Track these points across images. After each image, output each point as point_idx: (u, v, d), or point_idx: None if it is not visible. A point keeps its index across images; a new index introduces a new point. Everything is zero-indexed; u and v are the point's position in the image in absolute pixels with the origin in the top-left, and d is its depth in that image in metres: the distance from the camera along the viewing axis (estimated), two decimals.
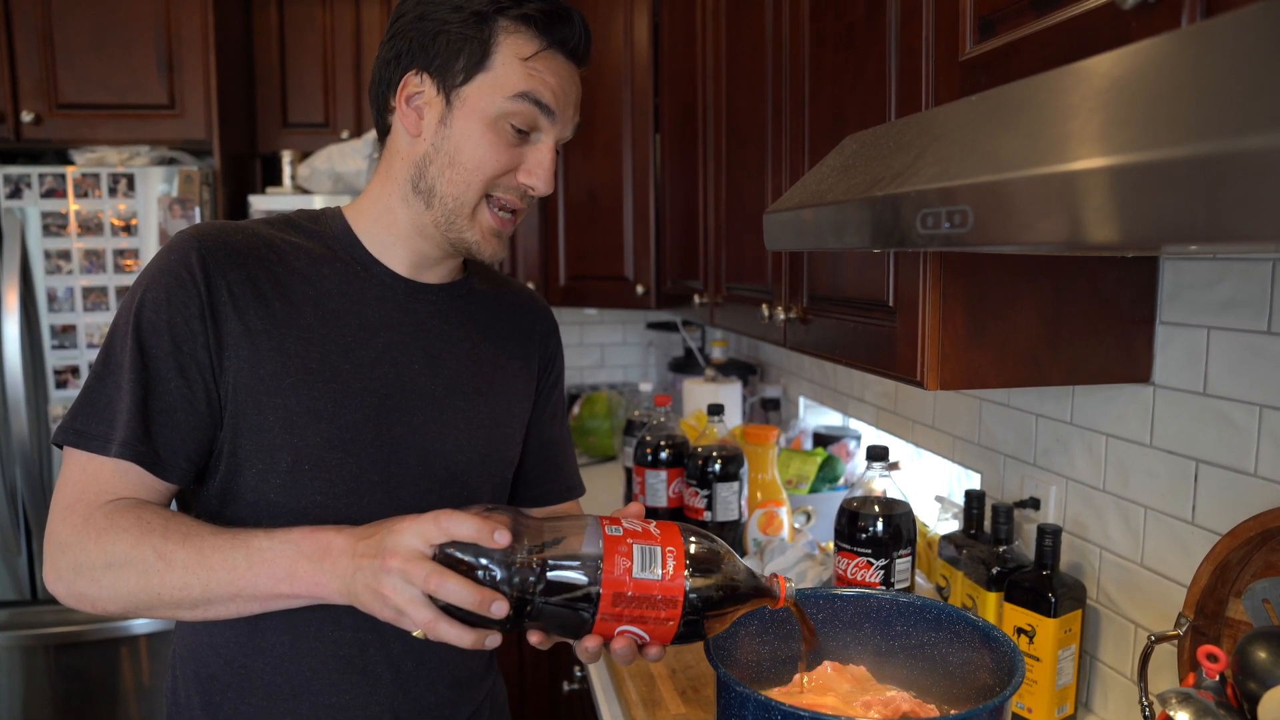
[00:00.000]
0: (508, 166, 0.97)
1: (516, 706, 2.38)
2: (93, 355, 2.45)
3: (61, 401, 2.45)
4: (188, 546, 0.85)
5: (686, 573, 0.78)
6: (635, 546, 0.78)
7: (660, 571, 0.78)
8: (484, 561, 0.77)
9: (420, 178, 0.98)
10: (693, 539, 0.81)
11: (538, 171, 0.98)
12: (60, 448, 0.93)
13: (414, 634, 0.79)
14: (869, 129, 0.98)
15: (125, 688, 2.52)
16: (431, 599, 0.77)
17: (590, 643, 0.80)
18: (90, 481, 0.90)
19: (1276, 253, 0.94)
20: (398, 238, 1.03)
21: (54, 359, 2.43)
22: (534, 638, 0.81)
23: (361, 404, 0.98)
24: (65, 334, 2.43)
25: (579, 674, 1.88)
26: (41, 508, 2.44)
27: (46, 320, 2.42)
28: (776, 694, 0.95)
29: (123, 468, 0.90)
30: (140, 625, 2.49)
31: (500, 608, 0.76)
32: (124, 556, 0.86)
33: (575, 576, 0.77)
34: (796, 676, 0.97)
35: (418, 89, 0.97)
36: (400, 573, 0.77)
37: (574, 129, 1.02)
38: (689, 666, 1.40)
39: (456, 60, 0.94)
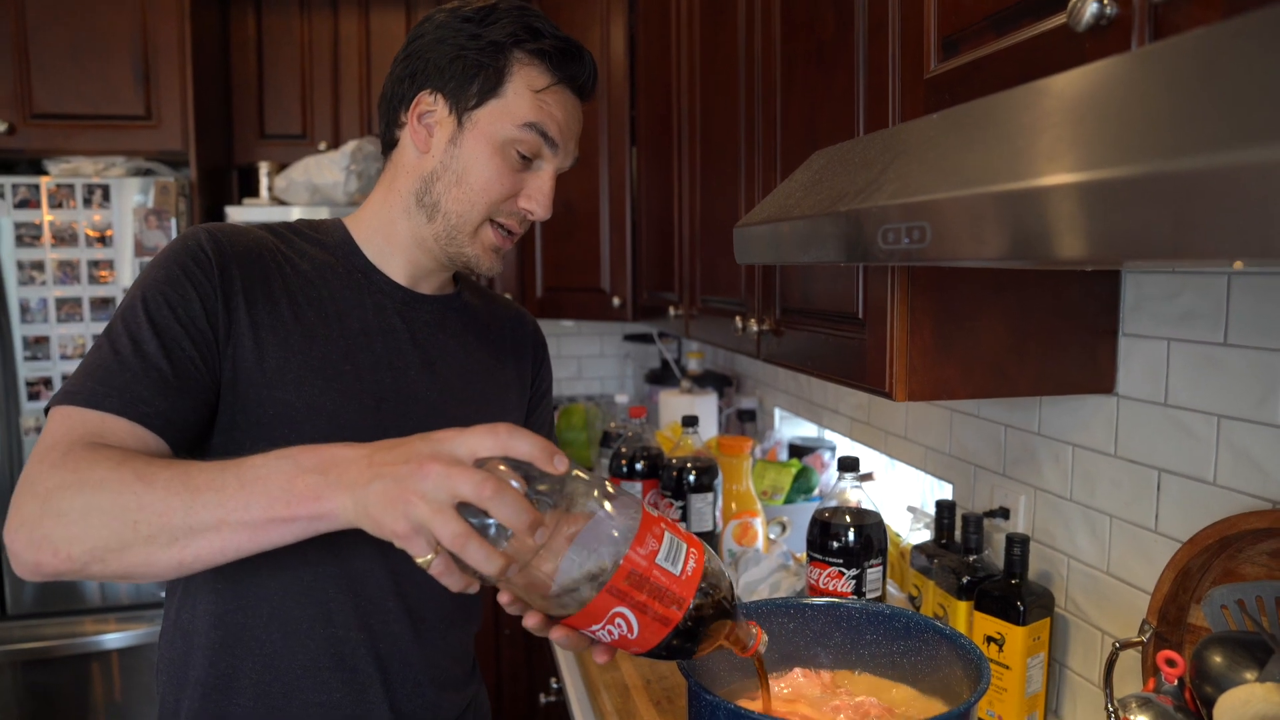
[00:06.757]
0: (511, 191, 1.02)
1: (494, 718, 2.37)
2: (66, 367, 2.43)
3: (34, 414, 2.42)
4: (172, 469, 0.78)
5: (701, 581, 0.75)
6: (667, 534, 0.75)
7: (679, 567, 0.74)
8: (526, 491, 0.70)
9: (426, 192, 1.02)
10: (710, 554, 0.79)
11: (538, 198, 1.03)
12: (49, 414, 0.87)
13: (418, 561, 0.70)
14: (836, 144, 1.00)
15: (96, 704, 2.49)
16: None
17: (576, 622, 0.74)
18: (76, 425, 0.84)
19: (1230, 266, 0.96)
20: (396, 248, 1.06)
21: (26, 370, 2.41)
22: (504, 598, 0.76)
23: (360, 405, 0.99)
24: (38, 345, 2.41)
25: (555, 686, 1.88)
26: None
27: (19, 331, 2.40)
28: (746, 702, 0.96)
29: (110, 420, 0.85)
30: (113, 640, 2.46)
31: (543, 534, 0.69)
32: (100, 479, 0.77)
33: (602, 537, 0.72)
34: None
35: (430, 108, 1.01)
36: (442, 478, 0.67)
37: (573, 160, 1.08)
38: (664, 677, 1.40)
39: (471, 84, 0.99)
